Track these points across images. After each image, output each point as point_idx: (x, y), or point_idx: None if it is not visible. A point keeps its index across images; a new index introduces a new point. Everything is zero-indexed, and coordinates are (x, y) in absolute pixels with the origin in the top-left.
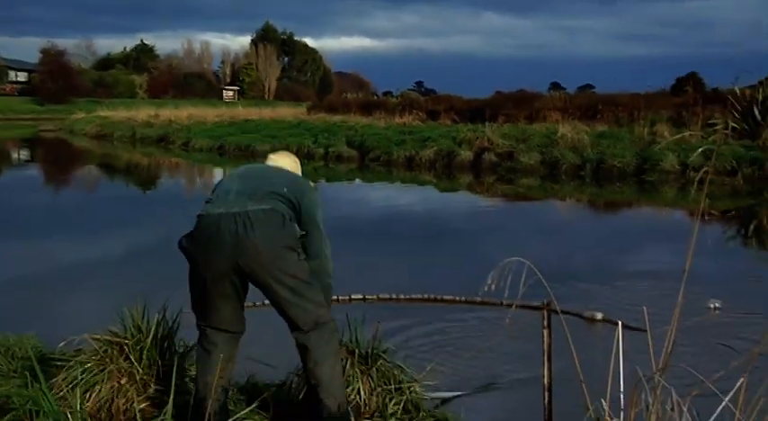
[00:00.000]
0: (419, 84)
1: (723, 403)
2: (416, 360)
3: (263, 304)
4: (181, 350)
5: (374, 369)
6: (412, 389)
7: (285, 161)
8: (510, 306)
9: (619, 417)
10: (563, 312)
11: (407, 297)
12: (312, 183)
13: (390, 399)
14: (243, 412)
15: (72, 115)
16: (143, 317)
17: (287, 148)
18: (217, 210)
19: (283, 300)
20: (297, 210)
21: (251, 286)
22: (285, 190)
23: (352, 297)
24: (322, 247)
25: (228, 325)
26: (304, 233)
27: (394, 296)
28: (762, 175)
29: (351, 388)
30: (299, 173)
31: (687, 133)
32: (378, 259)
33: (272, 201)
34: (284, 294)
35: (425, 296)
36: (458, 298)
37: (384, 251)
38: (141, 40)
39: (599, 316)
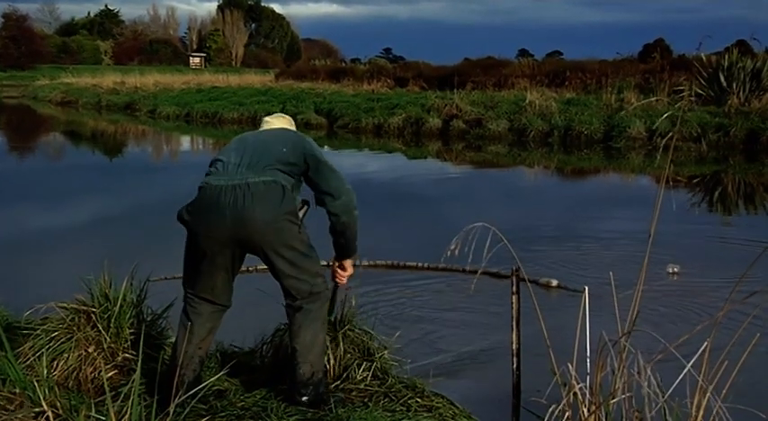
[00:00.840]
0: (387, 50)
1: (686, 368)
2: (384, 327)
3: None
4: (149, 318)
5: (342, 335)
6: (381, 355)
7: (280, 123)
8: (475, 272)
9: (585, 382)
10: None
11: (370, 263)
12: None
13: (359, 366)
14: (213, 378)
15: (35, 81)
16: (110, 286)
17: (254, 116)
18: (217, 181)
19: (280, 271)
20: (302, 164)
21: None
22: (285, 150)
23: None
24: (341, 184)
25: (217, 297)
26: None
27: (357, 263)
28: (727, 142)
29: None
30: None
31: (653, 99)
32: None
33: (273, 171)
34: (281, 266)
35: (389, 262)
36: (419, 264)
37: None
38: (106, 5)
39: (554, 283)
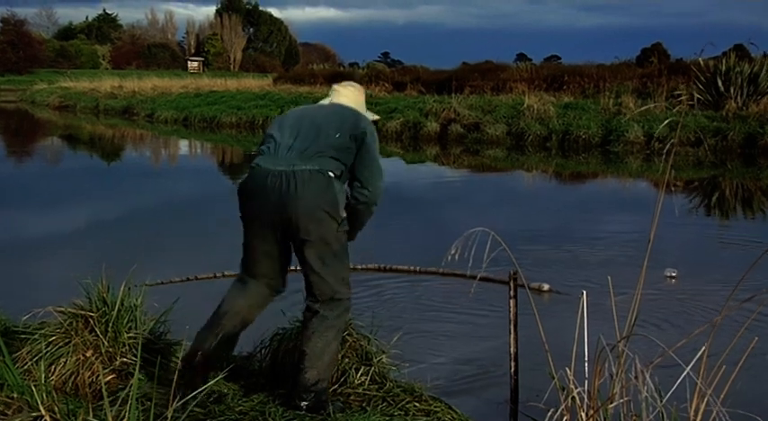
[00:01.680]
0: (385, 54)
1: (684, 372)
2: (383, 331)
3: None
4: (147, 322)
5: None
6: (379, 359)
7: (346, 95)
8: (473, 277)
9: (583, 386)
10: (503, 283)
11: (364, 266)
12: (368, 117)
13: (357, 370)
14: (211, 382)
15: (33, 86)
16: (108, 290)
17: (252, 121)
18: (266, 164)
19: (309, 266)
20: (354, 148)
21: None
22: (338, 136)
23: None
24: (374, 179)
25: (267, 278)
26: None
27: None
28: (725, 146)
29: None
30: (362, 103)
31: (652, 105)
32: None
33: (321, 159)
34: (311, 259)
35: (382, 266)
36: (414, 268)
37: None
38: (104, 10)
39: (546, 287)
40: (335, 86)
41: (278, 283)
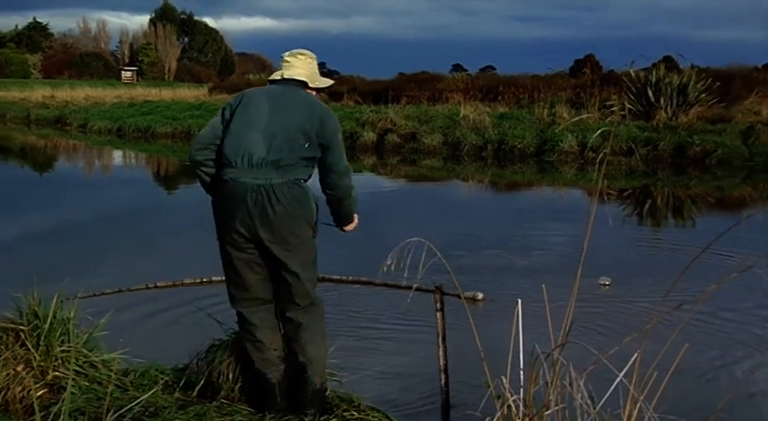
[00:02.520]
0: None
1: (618, 379)
2: None
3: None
4: (79, 335)
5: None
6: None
7: (299, 66)
8: (398, 286)
9: (519, 394)
10: (444, 294)
11: None
12: (323, 83)
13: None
14: (145, 395)
15: None
16: (40, 303)
17: (187, 131)
18: (242, 177)
19: (292, 273)
20: (321, 151)
21: None
22: (307, 146)
23: None
24: (341, 181)
25: (259, 293)
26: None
27: None
28: (656, 156)
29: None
30: (315, 71)
31: (585, 115)
32: None
33: (295, 170)
34: (295, 267)
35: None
36: (344, 278)
37: None
38: (34, 18)
39: (480, 296)
40: (287, 57)
41: (269, 293)
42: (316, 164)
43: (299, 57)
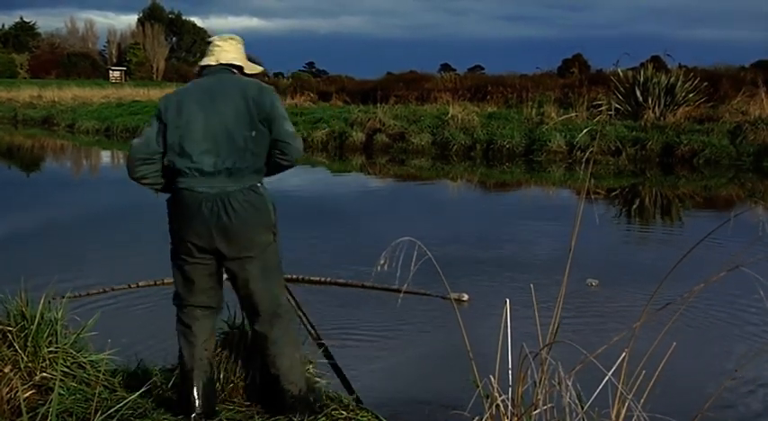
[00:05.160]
0: (310, 64)
1: (606, 378)
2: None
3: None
4: (67, 336)
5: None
6: (306, 369)
7: (230, 50)
8: (371, 287)
9: (507, 394)
10: (426, 295)
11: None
12: (254, 69)
13: None
14: (133, 396)
15: None
16: (27, 303)
17: None
18: (198, 186)
19: (254, 281)
20: (267, 127)
21: None
22: (254, 133)
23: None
24: (291, 147)
25: (207, 301)
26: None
27: None
28: (644, 155)
29: (245, 373)
30: (244, 54)
31: (573, 114)
32: None
33: (250, 175)
34: (255, 275)
35: (294, 276)
36: (324, 279)
37: None
38: (21, 18)
39: (465, 297)
40: (218, 41)
41: (218, 302)
42: (266, 146)
43: (231, 41)
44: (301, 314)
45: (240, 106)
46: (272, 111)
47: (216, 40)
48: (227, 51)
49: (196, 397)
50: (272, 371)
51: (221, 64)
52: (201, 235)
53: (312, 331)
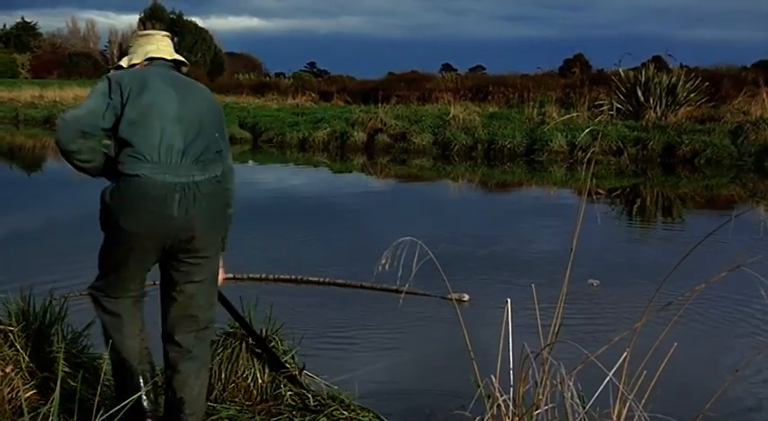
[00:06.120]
0: (311, 64)
1: (607, 378)
2: (307, 341)
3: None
4: (69, 336)
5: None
6: (302, 369)
7: (166, 50)
8: (371, 288)
9: (509, 394)
10: (426, 295)
11: (274, 276)
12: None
13: (285, 385)
14: (135, 396)
15: None
16: (29, 303)
17: None
18: (160, 174)
19: (200, 286)
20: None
21: None
22: (218, 135)
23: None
24: (231, 169)
25: (135, 290)
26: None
27: (264, 276)
28: (645, 155)
29: (246, 373)
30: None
31: (574, 114)
32: (269, 240)
33: (213, 165)
34: (203, 280)
35: (294, 277)
36: (322, 279)
37: (276, 232)
38: (22, 18)
39: (466, 297)
40: (161, 35)
41: (142, 289)
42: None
43: (165, 39)
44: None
45: (212, 106)
46: (225, 133)
47: (159, 33)
48: (165, 52)
49: (145, 397)
50: (177, 394)
51: (175, 60)
52: (161, 226)
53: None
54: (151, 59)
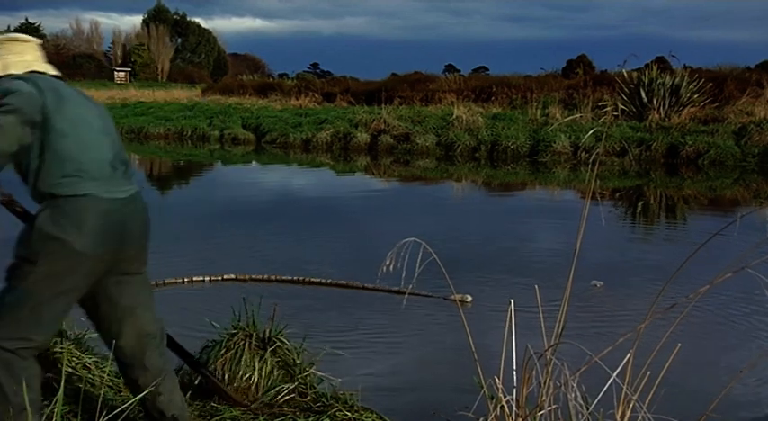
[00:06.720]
0: (315, 65)
1: (611, 379)
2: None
3: None
4: (72, 336)
5: (270, 352)
6: (308, 371)
7: (43, 58)
8: (375, 289)
9: (512, 394)
10: (429, 296)
11: (277, 277)
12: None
13: (287, 381)
14: (135, 398)
15: None
16: None
17: (181, 132)
18: (103, 191)
19: (147, 300)
20: None
21: None
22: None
23: (225, 277)
24: None
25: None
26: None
27: (267, 277)
28: (648, 156)
29: (248, 374)
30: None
31: (578, 115)
32: (271, 241)
33: (134, 175)
34: (146, 292)
35: (295, 278)
36: (325, 280)
37: (278, 233)
38: (26, 19)
39: (468, 298)
40: (35, 43)
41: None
42: None
43: (37, 47)
44: None
45: (109, 117)
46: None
47: (33, 40)
48: (42, 62)
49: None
50: (170, 413)
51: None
52: (118, 244)
53: None
54: (32, 73)
